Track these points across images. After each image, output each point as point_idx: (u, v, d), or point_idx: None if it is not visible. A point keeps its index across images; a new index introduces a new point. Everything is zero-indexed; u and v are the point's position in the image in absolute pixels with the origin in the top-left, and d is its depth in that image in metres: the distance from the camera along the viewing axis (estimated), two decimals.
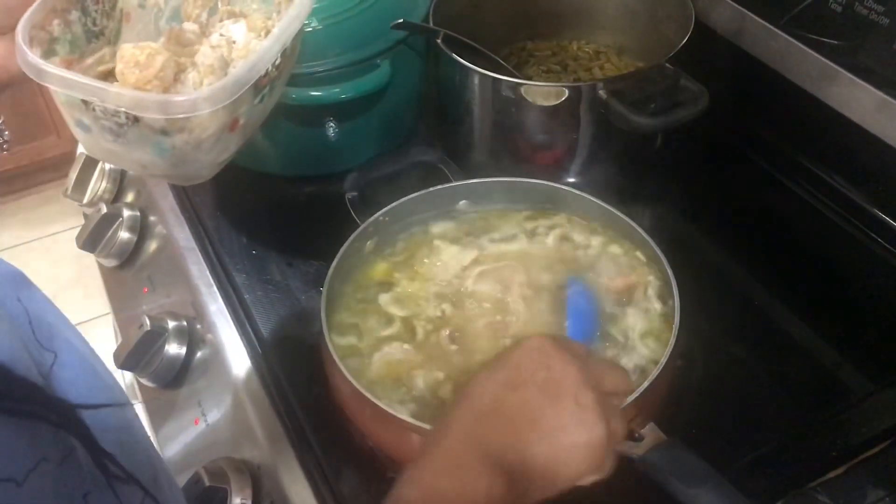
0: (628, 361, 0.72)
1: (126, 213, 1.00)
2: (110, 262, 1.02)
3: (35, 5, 0.63)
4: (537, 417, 0.55)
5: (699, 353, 0.77)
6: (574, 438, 0.54)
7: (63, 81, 0.58)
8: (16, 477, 0.35)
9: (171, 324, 0.86)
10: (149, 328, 0.84)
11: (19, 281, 0.52)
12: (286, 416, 0.76)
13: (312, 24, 0.93)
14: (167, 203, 0.99)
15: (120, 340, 0.93)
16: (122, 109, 0.58)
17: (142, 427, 0.56)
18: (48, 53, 0.64)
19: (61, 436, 0.40)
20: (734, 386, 0.78)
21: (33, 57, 0.59)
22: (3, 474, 0.34)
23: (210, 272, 0.91)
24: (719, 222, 0.94)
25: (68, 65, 0.65)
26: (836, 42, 0.87)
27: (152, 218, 1.01)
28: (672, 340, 0.69)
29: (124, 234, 0.99)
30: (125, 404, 0.51)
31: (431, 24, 0.96)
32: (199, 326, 0.87)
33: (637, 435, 0.64)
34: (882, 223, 0.91)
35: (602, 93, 0.86)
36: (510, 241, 0.83)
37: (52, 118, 2.51)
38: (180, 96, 0.59)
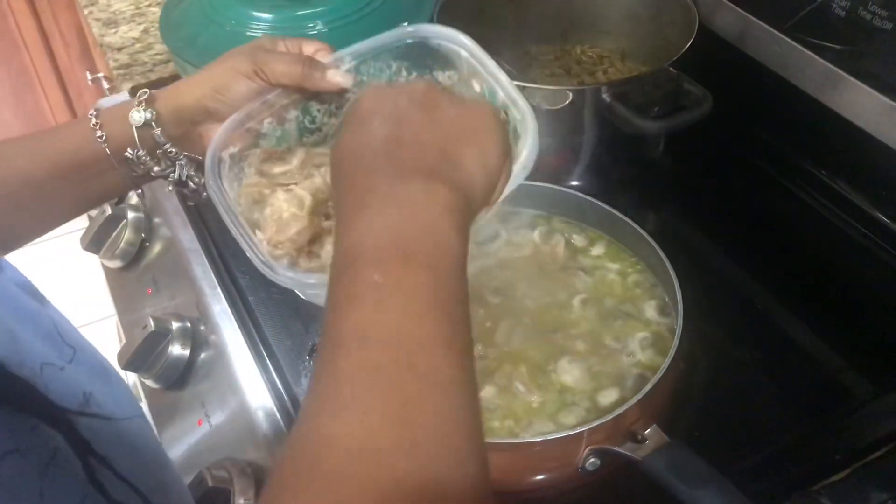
0: (630, 364, 0.72)
1: (131, 214, 1.01)
2: (115, 264, 1.02)
3: (252, 105, 0.65)
4: (426, 124, 0.49)
5: (702, 356, 0.78)
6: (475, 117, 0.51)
7: (225, 214, 0.61)
8: None
9: (175, 325, 0.86)
10: (153, 329, 0.84)
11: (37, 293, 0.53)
12: (290, 418, 0.77)
13: (318, 27, 0.94)
14: (172, 205, 0.99)
15: (124, 342, 0.93)
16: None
17: (151, 437, 0.57)
18: (252, 146, 0.67)
19: (45, 434, 0.41)
20: (737, 389, 0.78)
21: (214, 179, 0.63)
22: None
23: (214, 274, 0.91)
24: (723, 225, 0.95)
25: (269, 156, 0.67)
26: (839, 47, 0.87)
27: (157, 220, 1.01)
28: (675, 343, 0.69)
29: (129, 236, 0.99)
30: (122, 419, 0.51)
31: None
32: (202, 327, 0.87)
33: (640, 437, 0.65)
34: (886, 227, 0.91)
35: (606, 96, 0.86)
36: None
37: (55, 119, 2.51)
38: (313, 279, 0.59)
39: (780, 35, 0.93)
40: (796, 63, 0.92)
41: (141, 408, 0.59)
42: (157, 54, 1.24)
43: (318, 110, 0.69)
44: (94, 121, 0.66)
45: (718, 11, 0.99)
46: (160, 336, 0.85)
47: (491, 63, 0.62)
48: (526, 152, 0.56)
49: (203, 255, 0.93)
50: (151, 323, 0.85)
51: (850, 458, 0.71)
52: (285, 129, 0.68)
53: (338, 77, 0.65)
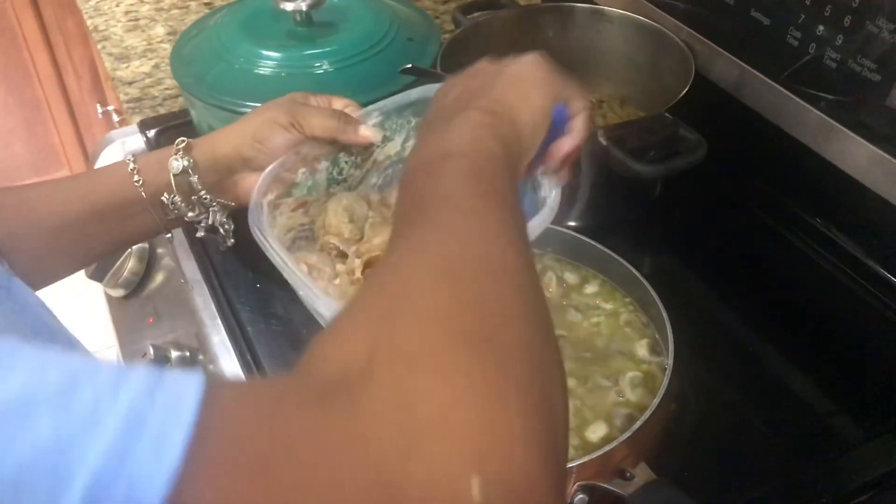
0: (619, 402, 0.73)
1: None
2: (117, 293, 1.04)
3: (286, 157, 0.69)
4: (480, 83, 0.57)
5: (693, 396, 0.79)
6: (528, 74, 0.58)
7: (276, 261, 0.64)
8: None
9: (175, 353, 0.88)
10: (152, 357, 0.86)
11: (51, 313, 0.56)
12: None
13: (324, 67, 0.96)
14: (176, 236, 1.01)
15: None
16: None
17: None
18: (284, 195, 0.70)
19: None
20: (728, 430, 0.79)
21: (260, 227, 0.65)
22: None
23: (215, 305, 0.92)
24: (716, 269, 0.96)
25: (301, 205, 0.71)
26: (832, 97, 0.90)
27: (160, 250, 1.03)
28: (665, 383, 0.70)
29: (133, 265, 1.01)
30: None
31: (439, 70, 0.98)
32: (201, 357, 0.89)
33: (628, 474, 0.65)
34: (876, 275, 0.92)
35: (603, 140, 0.88)
36: None
37: (66, 153, 2.55)
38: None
39: (776, 85, 0.95)
40: (791, 112, 0.94)
41: None
42: (166, 89, 1.27)
43: (346, 162, 0.73)
44: (131, 165, 0.69)
45: (715, 60, 1.02)
46: (159, 364, 0.86)
47: None
48: (550, 199, 0.62)
49: (205, 286, 0.95)
50: (151, 351, 0.86)
51: (836, 501, 0.72)
52: (316, 179, 0.72)
53: (368, 132, 0.71)
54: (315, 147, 0.70)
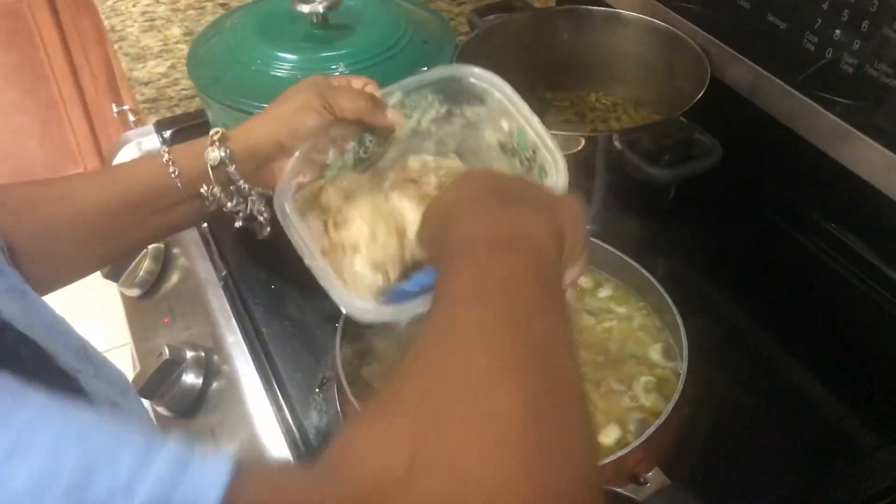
0: (633, 407, 0.73)
1: (150, 244, 1.03)
2: (133, 292, 1.04)
3: (316, 139, 0.69)
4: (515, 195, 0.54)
5: (707, 401, 0.78)
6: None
7: (294, 240, 0.66)
8: None
9: (190, 354, 0.88)
10: (168, 357, 0.86)
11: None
12: (299, 450, 0.78)
13: (340, 69, 0.96)
14: (191, 236, 1.02)
15: (138, 369, 0.95)
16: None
17: None
18: (317, 177, 0.71)
19: None
20: (741, 435, 0.79)
21: (286, 207, 0.67)
22: None
23: (229, 305, 0.93)
24: (731, 273, 0.96)
25: (330, 182, 0.71)
26: (848, 102, 0.89)
27: (175, 250, 1.04)
28: (679, 387, 0.70)
29: (148, 265, 1.01)
30: None
31: None
32: (216, 357, 0.89)
33: (642, 479, 0.65)
34: (891, 280, 0.91)
35: (617, 143, 0.88)
36: None
37: (80, 151, 2.56)
38: (359, 304, 0.62)
39: (791, 89, 0.95)
40: (806, 117, 0.94)
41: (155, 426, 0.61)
42: (182, 89, 1.28)
43: (370, 141, 0.73)
44: (166, 157, 0.69)
45: (730, 64, 1.02)
46: (174, 364, 0.87)
47: (524, 106, 0.68)
48: (561, 184, 0.61)
49: (219, 286, 0.95)
50: (166, 351, 0.87)
51: None
52: (345, 159, 0.73)
53: (394, 116, 0.71)
54: (342, 127, 0.71)
